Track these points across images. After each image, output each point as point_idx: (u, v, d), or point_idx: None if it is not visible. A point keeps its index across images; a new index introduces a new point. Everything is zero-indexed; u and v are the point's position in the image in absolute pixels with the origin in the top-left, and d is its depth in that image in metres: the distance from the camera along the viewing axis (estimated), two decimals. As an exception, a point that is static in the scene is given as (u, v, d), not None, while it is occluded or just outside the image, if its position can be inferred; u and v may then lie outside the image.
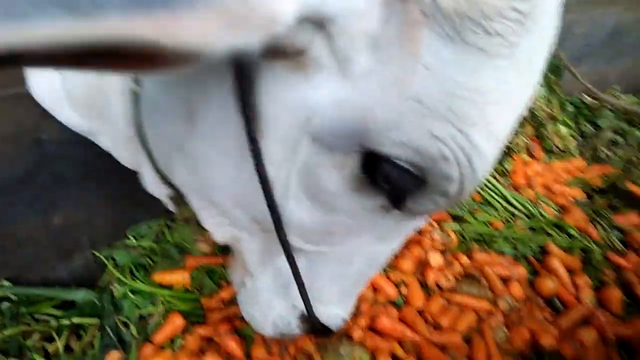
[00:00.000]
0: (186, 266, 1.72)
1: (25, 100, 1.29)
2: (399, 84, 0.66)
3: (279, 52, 0.61)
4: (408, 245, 1.92)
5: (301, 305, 1.12)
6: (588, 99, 2.99)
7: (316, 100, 0.72)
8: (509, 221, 2.10)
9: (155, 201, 1.26)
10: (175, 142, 0.98)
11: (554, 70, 2.70)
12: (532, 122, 2.58)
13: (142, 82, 0.95)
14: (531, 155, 2.52)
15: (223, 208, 1.04)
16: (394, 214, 0.87)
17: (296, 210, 0.89)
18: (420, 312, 1.73)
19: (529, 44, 0.66)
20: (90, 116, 1.28)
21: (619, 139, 2.82)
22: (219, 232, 1.12)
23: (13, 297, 1.47)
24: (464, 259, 1.92)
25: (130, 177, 1.32)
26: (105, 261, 1.63)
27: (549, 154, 2.60)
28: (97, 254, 1.65)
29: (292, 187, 0.86)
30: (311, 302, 1.07)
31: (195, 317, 1.64)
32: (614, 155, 2.71)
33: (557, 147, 2.63)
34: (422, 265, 1.88)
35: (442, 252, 1.90)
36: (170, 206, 1.20)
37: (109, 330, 1.50)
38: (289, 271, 1.02)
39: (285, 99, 0.75)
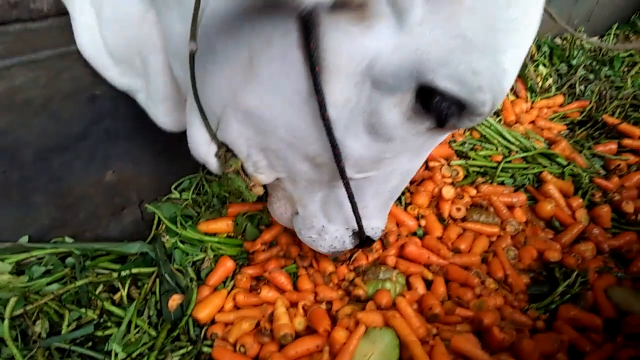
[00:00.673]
0: (228, 213, 1.78)
1: (80, 58, 1.29)
2: (448, 26, 0.79)
3: (345, 3, 0.67)
4: (421, 182, 2.01)
5: (352, 224, 1.30)
6: (559, 41, 3.10)
7: (377, 48, 0.83)
8: (506, 155, 2.21)
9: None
10: (231, 93, 1.03)
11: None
12: (515, 64, 2.66)
13: (201, 39, 0.97)
14: (516, 95, 2.63)
15: (277, 152, 1.12)
16: (436, 132, 1.01)
17: (355, 146, 1.01)
18: (440, 240, 1.84)
19: None
20: (130, 74, 1.30)
21: (591, 75, 2.95)
22: (265, 175, 1.22)
23: (77, 252, 1.50)
24: (472, 191, 2.02)
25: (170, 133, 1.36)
26: (157, 212, 1.66)
27: (531, 92, 2.71)
28: (148, 206, 1.67)
29: (352, 126, 0.97)
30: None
31: (242, 260, 1.71)
32: (588, 90, 2.84)
33: (538, 85, 2.74)
34: (436, 199, 1.98)
35: (452, 186, 2.00)
36: (214, 166, 1.26)
37: (167, 277, 1.55)
38: (339, 197, 1.20)
39: (348, 49, 0.84)
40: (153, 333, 1.44)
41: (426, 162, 2.05)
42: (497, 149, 2.21)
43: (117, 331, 1.41)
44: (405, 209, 1.92)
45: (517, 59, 0.86)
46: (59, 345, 1.34)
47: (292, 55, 0.88)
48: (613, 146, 2.39)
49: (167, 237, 1.64)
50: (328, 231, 1.33)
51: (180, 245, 1.65)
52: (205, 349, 1.43)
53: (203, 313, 1.49)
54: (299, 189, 1.25)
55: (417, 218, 1.89)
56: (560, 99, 2.74)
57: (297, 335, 1.45)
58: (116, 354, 1.35)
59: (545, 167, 2.17)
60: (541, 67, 2.78)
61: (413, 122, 0.95)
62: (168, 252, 1.63)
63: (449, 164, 2.06)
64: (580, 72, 2.91)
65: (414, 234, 1.86)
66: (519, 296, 1.65)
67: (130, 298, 1.54)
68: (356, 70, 0.88)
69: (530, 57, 2.76)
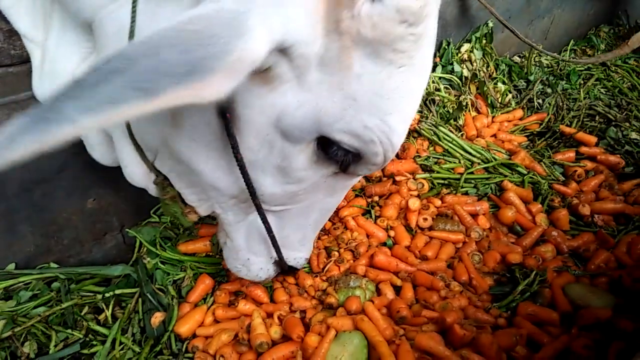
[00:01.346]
0: (199, 234, 1.86)
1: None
2: (340, 88, 0.92)
3: (254, 71, 0.77)
4: (389, 196, 2.11)
5: (274, 255, 1.39)
6: (516, 59, 3.26)
7: (283, 104, 0.95)
8: (468, 167, 2.32)
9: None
10: (162, 140, 1.15)
11: (486, 36, 2.94)
12: (475, 82, 2.81)
13: None
14: (478, 111, 2.76)
15: (204, 189, 1.25)
16: (342, 177, 1.16)
17: (269, 184, 1.13)
18: (408, 248, 1.93)
19: (422, 53, 0.91)
20: None
21: (548, 89, 3.10)
22: (202, 207, 1.34)
23: (62, 277, 1.57)
24: (437, 202, 2.12)
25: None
26: (138, 236, 1.74)
27: (492, 108, 2.85)
28: (129, 230, 1.75)
29: (267, 168, 1.09)
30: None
31: (220, 277, 1.78)
32: (546, 103, 2.99)
33: (498, 101, 2.88)
34: (404, 211, 2.08)
35: (418, 198, 2.10)
36: (154, 192, 1.35)
37: (149, 296, 1.62)
38: (262, 229, 1.28)
39: (258, 105, 0.96)
40: (137, 349, 1.51)
41: (393, 177, 2.16)
42: (459, 162, 2.32)
43: (103, 348, 1.48)
44: (375, 222, 2.01)
45: (404, 119, 0.99)
46: (47, 364, 1.41)
47: (208, 110, 0.99)
48: (571, 154, 2.51)
49: (148, 258, 1.72)
50: (253, 263, 1.42)
51: (161, 265, 1.73)
52: (187, 362, 1.50)
53: (184, 328, 1.57)
54: (226, 222, 1.35)
55: (387, 229, 1.99)
56: (519, 112, 2.88)
57: (274, 344, 1.53)
58: (102, 370, 1.42)
59: (506, 176, 2.29)
60: (500, 84, 2.93)
61: (319, 167, 1.10)
62: (150, 273, 1.70)
63: (414, 178, 2.17)
64: (538, 86, 3.06)
65: (384, 244, 1.96)
66: (482, 297, 1.74)
67: (114, 318, 1.61)
68: (267, 122, 0.99)
69: (489, 75, 2.91)
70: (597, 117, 2.83)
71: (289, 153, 1.04)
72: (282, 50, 0.83)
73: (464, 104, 2.63)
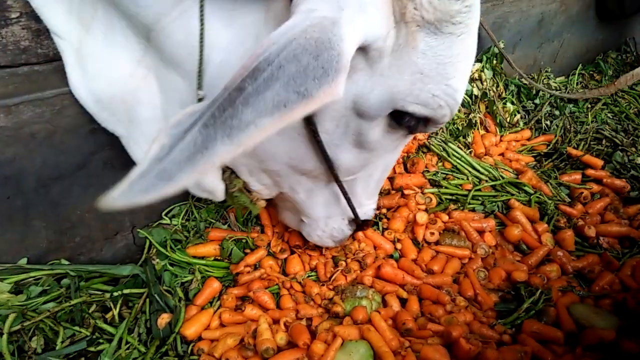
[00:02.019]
0: (209, 237, 1.87)
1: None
2: (408, 67, 1.05)
3: None
4: (397, 209, 2.13)
5: (348, 214, 1.57)
6: (525, 81, 3.29)
7: (357, 89, 1.10)
8: (476, 184, 2.34)
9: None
10: None
11: (497, 56, 2.97)
12: (484, 101, 2.84)
13: (207, 89, 1.16)
14: (486, 130, 2.78)
15: (277, 173, 1.37)
16: (407, 137, 1.32)
17: (346, 157, 1.29)
18: (415, 262, 1.94)
19: (474, 17, 1.04)
20: (112, 121, 1.41)
21: (556, 112, 3.13)
22: (266, 192, 1.49)
23: (72, 274, 1.58)
24: (444, 217, 2.14)
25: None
26: (149, 237, 1.75)
27: (500, 127, 2.88)
28: (140, 231, 1.77)
29: (342, 144, 1.25)
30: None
31: (228, 281, 1.79)
32: (553, 125, 3.01)
33: (507, 121, 2.90)
34: (411, 224, 2.09)
35: (426, 212, 2.11)
36: (220, 193, 1.44)
37: (156, 297, 1.63)
38: (335, 195, 1.49)
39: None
40: (143, 349, 1.52)
41: (401, 191, 2.17)
42: (467, 179, 2.34)
43: (109, 347, 1.48)
44: (382, 234, 2.03)
45: (464, 80, 1.13)
46: (54, 359, 1.41)
47: None
48: (577, 176, 2.53)
49: (158, 260, 1.73)
50: (328, 225, 1.62)
51: (170, 267, 1.73)
52: (192, 364, 1.51)
53: (190, 330, 1.57)
54: (299, 201, 1.51)
55: (394, 242, 2.00)
56: (527, 133, 2.90)
57: (279, 350, 1.53)
58: (108, 368, 1.42)
59: (513, 195, 2.31)
60: (509, 104, 2.95)
61: (390, 134, 1.25)
62: (158, 274, 1.71)
63: (422, 192, 2.18)
64: (546, 108, 3.09)
65: (391, 256, 1.97)
66: (487, 313, 1.74)
67: (121, 317, 1.61)
68: (343, 107, 1.14)
69: (499, 96, 2.93)
70: (603, 141, 2.85)
71: (364, 129, 1.20)
72: (362, 49, 0.97)
73: (474, 122, 2.65)
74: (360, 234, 1.97)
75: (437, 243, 2.03)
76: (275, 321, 1.63)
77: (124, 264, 1.72)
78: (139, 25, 1.17)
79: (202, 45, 1.07)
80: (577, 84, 3.68)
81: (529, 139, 2.91)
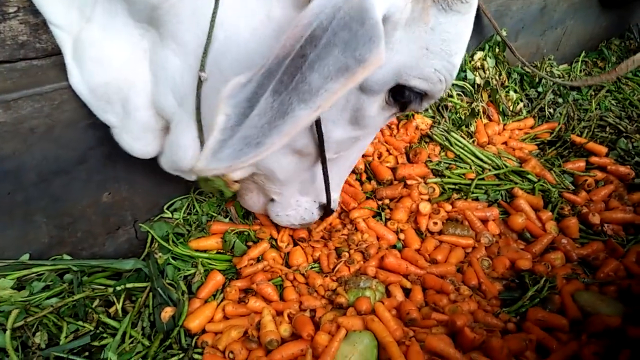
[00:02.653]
0: (211, 231, 1.87)
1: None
2: (416, 41, 1.10)
3: None
4: (400, 199, 2.12)
5: (320, 198, 1.62)
6: (528, 69, 3.27)
7: None
8: (479, 173, 2.33)
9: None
10: None
11: (499, 44, 2.95)
12: (487, 89, 2.82)
13: (209, 70, 1.16)
14: (489, 118, 2.77)
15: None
16: (395, 115, 1.35)
17: (338, 134, 1.33)
18: (418, 251, 1.93)
19: (475, 1, 1.13)
20: (106, 110, 1.40)
21: (559, 99, 3.11)
22: (238, 173, 1.48)
23: (74, 269, 1.58)
24: (448, 206, 2.13)
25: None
26: (151, 231, 1.75)
27: (503, 116, 2.86)
28: (142, 225, 1.77)
29: (338, 120, 1.29)
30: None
31: (231, 274, 1.79)
32: (557, 112, 2.99)
33: (510, 109, 2.89)
34: (414, 214, 2.08)
35: (429, 202, 2.11)
36: (192, 174, 1.45)
37: (160, 291, 1.63)
38: (314, 176, 1.52)
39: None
40: (146, 343, 1.52)
41: (404, 181, 2.17)
42: (470, 168, 2.33)
43: (113, 341, 1.48)
44: (385, 224, 2.02)
45: (462, 56, 1.20)
46: (58, 354, 1.41)
47: None
48: (581, 164, 2.52)
49: (160, 254, 1.73)
50: (301, 204, 1.64)
51: (172, 261, 1.73)
52: (196, 357, 1.51)
53: (194, 323, 1.57)
54: (275, 180, 1.51)
55: (397, 232, 1.99)
56: (530, 121, 2.89)
57: (283, 341, 1.53)
58: (112, 362, 1.43)
59: (516, 183, 2.29)
60: (512, 93, 2.94)
61: (385, 111, 1.30)
62: (161, 268, 1.71)
63: (425, 182, 2.17)
64: (549, 96, 3.07)
65: (394, 246, 1.96)
66: (491, 301, 1.74)
67: (124, 311, 1.61)
68: None
69: (502, 84, 2.92)
70: (607, 128, 2.83)
71: (363, 104, 1.24)
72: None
73: (476, 111, 2.64)
74: (362, 223, 1.97)
75: (440, 233, 2.03)
76: (279, 313, 1.62)
77: (127, 258, 1.72)
78: (142, 6, 1.17)
79: (213, 23, 1.09)
80: (580, 71, 3.66)
81: (532, 127, 2.89)
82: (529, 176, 2.34)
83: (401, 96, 1.22)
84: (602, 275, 1.87)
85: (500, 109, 2.83)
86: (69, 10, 1.25)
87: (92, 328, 1.51)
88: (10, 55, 1.29)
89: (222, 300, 1.68)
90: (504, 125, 2.79)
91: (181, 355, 1.50)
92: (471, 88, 2.73)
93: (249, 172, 1.51)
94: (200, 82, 1.18)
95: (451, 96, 2.62)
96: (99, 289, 1.61)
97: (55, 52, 1.34)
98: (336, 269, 1.79)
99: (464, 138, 2.47)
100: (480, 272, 1.84)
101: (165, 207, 1.87)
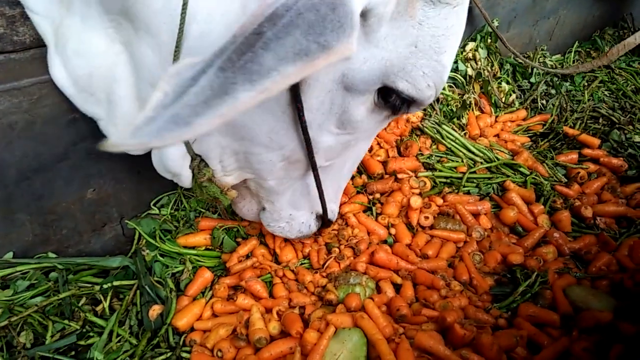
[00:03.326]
0: (199, 227, 1.84)
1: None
2: (403, 38, 1.04)
3: None
4: (391, 194, 2.10)
5: (316, 209, 1.56)
6: (520, 60, 3.24)
7: (349, 61, 1.06)
8: (471, 166, 2.31)
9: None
10: None
11: (491, 35, 2.92)
12: (479, 81, 2.79)
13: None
14: (481, 110, 2.74)
15: (253, 156, 1.31)
16: (389, 119, 1.29)
17: (327, 139, 1.27)
18: (409, 247, 1.92)
19: None
20: (91, 102, 1.36)
21: (552, 90, 3.09)
22: (233, 177, 1.43)
23: (60, 267, 1.56)
24: (439, 200, 2.11)
25: (149, 152, 1.44)
26: (137, 228, 1.73)
27: (495, 107, 2.84)
28: (129, 222, 1.74)
29: (325, 124, 1.21)
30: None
31: (219, 271, 1.77)
32: (549, 104, 2.97)
33: (502, 101, 2.86)
34: (405, 209, 2.06)
35: (420, 196, 2.09)
36: (186, 180, 1.40)
37: (147, 288, 1.61)
38: (306, 186, 1.46)
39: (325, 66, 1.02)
40: (134, 341, 1.50)
41: (395, 175, 2.14)
42: (462, 161, 2.31)
43: (99, 340, 1.46)
44: (376, 219, 2.00)
45: (452, 56, 1.13)
46: (43, 354, 1.39)
47: None
48: (574, 156, 2.50)
49: (147, 251, 1.71)
50: (295, 218, 1.57)
51: (160, 258, 1.71)
52: (184, 355, 1.49)
53: (182, 321, 1.55)
54: (266, 188, 1.45)
55: (387, 227, 1.98)
56: (523, 113, 2.86)
57: (272, 339, 1.51)
58: (98, 361, 1.41)
59: (508, 176, 2.28)
60: (504, 84, 2.91)
61: (375, 114, 1.24)
62: (148, 265, 1.69)
63: (416, 176, 2.15)
64: (542, 87, 3.05)
65: (385, 242, 1.94)
66: (482, 297, 1.73)
67: (112, 309, 1.59)
68: (332, 80, 1.11)
69: (494, 75, 2.89)
70: (600, 120, 2.81)
71: (350, 106, 1.18)
72: (361, 12, 0.93)
73: (468, 102, 2.61)
74: (353, 218, 1.95)
75: (431, 227, 2.01)
76: (268, 310, 1.61)
77: (113, 256, 1.69)
78: None
79: (184, 16, 1.03)
80: (573, 61, 3.63)
81: (524, 119, 2.87)
82: (521, 169, 2.32)
83: (389, 99, 1.16)
84: (594, 270, 1.86)
85: (493, 101, 2.81)
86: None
87: (78, 327, 1.49)
88: (-14, 49, 1.25)
89: (210, 298, 1.67)
90: (496, 117, 2.77)
91: (169, 354, 1.48)
92: (463, 79, 2.70)
93: (242, 177, 1.46)
94: None
95: (442, 88, 2.59)
96: (85, 287, 1.59)
97: (34, 46, 1.31)
98: (326, 265, 1.77)
99: (455, 131, 2.44)
100: (471, 267, 1.82)
101: (152, 203, 1.84)
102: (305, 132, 1.17)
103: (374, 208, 2.05)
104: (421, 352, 1.44)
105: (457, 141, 2.37)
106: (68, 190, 1.55)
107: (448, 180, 2.22)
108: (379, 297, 1.65)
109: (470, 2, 2.67)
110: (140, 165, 1.53)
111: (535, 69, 3.17)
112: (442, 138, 2.38)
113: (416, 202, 2.01)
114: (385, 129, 2.34)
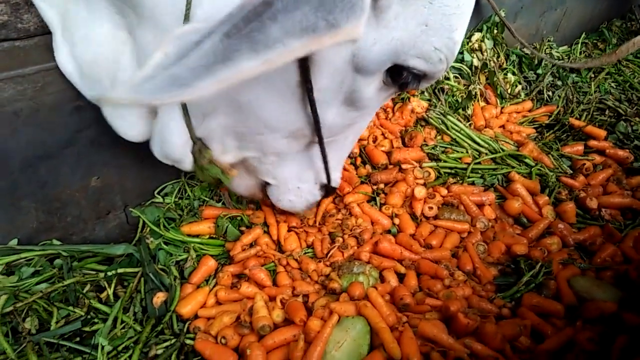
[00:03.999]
0: (203, 215, 1.85)
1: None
2: (415, 18, 1.03)
3: None
4: (395, 184, 2.09)
5: (320, 178, 1.58)
6: (528, 50, 3.21)
7: (360, 42, 1.06)
8: (476, 157, 2.30)
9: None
10: (226, 96, 1.21)
11: (498, 25, 2.90)
12: (485, 72, 2.77)
13: None
14: (487, 101, 2.73)
15: (255, 135, 1.34)
16: (392, 95, 1.31)
17: (333, 117, 1.28)
18: (413, 236, 1.91)
19: None
20: (97, 89, 1.36)
21: (558, 82, 3.06)
22: (229, 158, 1.44)
23: (64, 254, 1.56)
24: (443, 191, 2.10)
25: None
26: (142, 216, 1.73)
27: (501, 98, 2.82)
28: (133, 210, 1.74)
29: (333, 102, 1.23)
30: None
31: (223, 259, 1.78)
32: (555, 95, 2.95)
33: (507, 92, 2.85)
34: (409, 199, 2.06)
35: (424, 186, 2.08)
36: (188, 164, 1.42)
37: (151, 276, 1.61)
38: (310, 158, 1.49)
39: (336, 47, 1.04)
40: (138, 328, 1.50)
41: (399, 165, 2.14)
42: (467, 152, 2.30)
43: (104, 326, 1.47)
44: (380, 209, 2.00)
45: (463, 32, 1.13)
46: (48, 340, 1.40)
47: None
48: (580, 147, 2.49)
49: (152, 238, 1.71)
50: (303, 190, 1.60)
51: (164, 246, 1.71)
52: (188, 342, 1.49)
53: (186, 309, 1.56)
54: (267, 164, 1.48)
55: (391, 217, 1.97)
56: (529, 104, 2.85)
57: (276, 327, 1.51)
58: (103, 347, 1.41)
59: (513, 167, 2.27)
60: (510, 75, 2.90)
61: (382, 92, 1.25)
62: (152, 253, 1.69)
63: (421, 166, 2.15)
64: (548, 78, 3.03)
65: (388, 231, 1.94)
66: (486, 287, 1.72)
67: (116, 296, 1.60)
68: (342, 61, 1.11)
69: (500, 66, 2.87)
70: (607, 111, 2.79)
71: (360, 85, 1.18)
72: None
73: (473, 93, 2.60)
74: (357, 208, 1.94)
75: (435, 217, 2.00)
76: (272, 298, 1.61)
77: (118, 243, 1.70)
78: None
79: (190, 3, 1.02)
80: (580, 53, 3.61)
81: (530, 110, 2.86)
82: (526, 160, 2.31)
83: (399, 76, 1.16)
84: (598, 261, 1.85)
85: (498, 92, 2.79)
86: None
87: (83, 313, 1.49)
88: (-9, 35, 1.25)
89: (214, 286, 1.67)
90: (502, 108, 2.76)
91: (173, 341, 1.48)
92: (468, 70, 2.68)
93: (241, 156, 1.46)
94: None
95: (448, 79, 2.58)
96: (89, 274, 1.60)
97: (38, 33, 1.31)
98: (330, 254, 1.77)
99: (460, 121, 2.43)
100: (475, 257, 1.82)
101: (156, 191, 1.85)
102: (314, 111, 1.19)
103: (377, 198, 2.04)
104: (425, 341, 1.44)
105: (462, 132, 2.36)
106: (73, 178, 1.55)
107: (452, 171, 2.22)
108: (383, 286, 1.65)
109: (477, -7, 2.65)
110: (144, 154, 1.52)
111: (543, 60, 3.15)
112: (447, 129, 2.37)
113: (420, 192, 2.01)
114: (390, 119, 2.33)
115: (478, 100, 2.65)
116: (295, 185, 1.57)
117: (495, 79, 2.77)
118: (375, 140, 2.25)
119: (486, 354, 1.39)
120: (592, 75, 3.21)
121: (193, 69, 0.75)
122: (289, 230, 1.87)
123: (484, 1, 2.72)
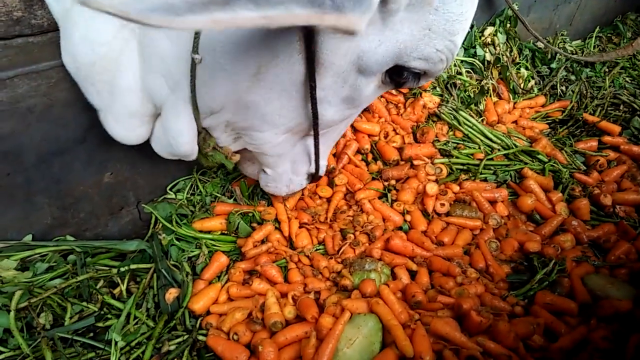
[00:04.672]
0: (215, 212, 1.85)
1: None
2: (420, 22, 1.08)
3: None
4: (406, 180, 2.08)
5: (310, 169, 1.64)
6: (541, 44, 3.18)
7: (366, 43, 1.12)
8: (488, 153, 2.28)
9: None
10: (235, 94, 1.24)
11: (511, 19, 2.86)
12: (497, 66, 2.75)
13: (203, 52, 1.13)
14: (499, 96, 2.70)
15: (254, 129, 1.39)
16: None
17: (331, 113, 1.33)
18: (424, 233, 1.90)
19: None
20: (91, 92, 1.34)
21: (572, 76, 3.03)
22: (235, 145, 1.52)
23: (78, 249, 1.57)
24: (455, 187, 2.09)
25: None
26: (154, 212, 1.74)
27: (514, 93, 2.79)
28: (145, 206, 1.75)
29: (333, 100, 1.28)
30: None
31: (235, 256, 1.78)
32: (569, 90, 2.92)
33: (520, 87, 2.82)
34: (421, 195, 2.05)
35: (436, 183, 2.07)
36: (194, 155, 1.47)
37: (164, 272, 1.62)
38: (305, 152, 1.57)
39: (343, 48, 1.12)
40: (151, 324, 1.51)
41: (410, 161, 2.12)
42: (479, 148, 2.28)
43: (117, 322, 1.48)
44: (391, 205, 1.99)
45: (464, 35, 1.18)
46: (62, 335, 1.41)
47: (294, 59, 1.14)
48: (594, 143, 2.46)
49: (164, 235, 1.72)
50: (293, 182, 1.67)
51: (176, 242, 1.72)
52: (201, 338, 1.50)
53: (198, 305, 1.56)
54: (265, 156, 1.53)
55: (403, 214, 1.96)
56: (542, 99, 2.82)
57: (288, 323, 1.52)
58: (116, 343, 1.42)
59: (526, 163, 2.25)
60: (523, 70, 2.86)
61: (380, 90, 1.32)
62: (165, 249, 1.70)
63: (432, 163, 2.13)
64: (562, 73, 2.99)
65: (400, 228, 1.93)
66: (499, 284, 1.72)
67: (129, 292, 1.61)
68: (347, 62, 1.16)
69: (512, 61, 2.84)
70: (621, 106, 2.76)
71: (361, 84, 1.24)
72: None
73: (486, 88, 2.58)
74: (368, 205, 1.94)
75: (447, 214, 1.99)
76: (283, 295, 1.61)
77: (130, 239, 1.71)
78: None
79: None
80: (594, 47, 3.56)
81: (543, 106, 2.83)
82: (540, 156, 2.29)
83: (399, 76, 1.23)
84: (613, 258, 1.84)
85: (511, 87, 2.76)
86: None
87: (96, 309, 1.50)
88: (6, 31, 1.25)
89: (226, 282, 1.68)
90: (515, 103, 2.73)
91: (185, 337, 1.49)
92: (481, 65, 2.66)
93: (241, 147, 1.53)
94: (194, 64, 1.15)
95: (460, 74, 2.56)
96: (103, 270, 1.60)
97: (51, 29, 1.31)
98: (341, 250, 1.77)
99: (472, 117, 2.41)
100: (487, 255, 1.81)
101: (169, 187, 1.85)
102: (314, 109, 1.25)
103: (389, 194, 2.03)
104: (437, 339, 1.43)
105: (474, 127, 2.34)
106: (86, 174, 1.56)
107: (465, 167, 2.20)
108: (394, 283, 1.65)
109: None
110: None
111: (557, 55, 3.11)
112: (459, 124, 2.35)
113: (432, 189, 2.00)
114: (401, 114, 2.32)
115: (490, 96, 2.63)
116: (289, 177, 1.65)
117: (508, 73, 2.74)
118: (386, 136, 2.23)
119: (499, 352, 1.39)
120: (607, 70, 3.17)
121: (190, 2, 0.72)
122: (300, 227, 1.87)
123: (497, -5, 2.70)
